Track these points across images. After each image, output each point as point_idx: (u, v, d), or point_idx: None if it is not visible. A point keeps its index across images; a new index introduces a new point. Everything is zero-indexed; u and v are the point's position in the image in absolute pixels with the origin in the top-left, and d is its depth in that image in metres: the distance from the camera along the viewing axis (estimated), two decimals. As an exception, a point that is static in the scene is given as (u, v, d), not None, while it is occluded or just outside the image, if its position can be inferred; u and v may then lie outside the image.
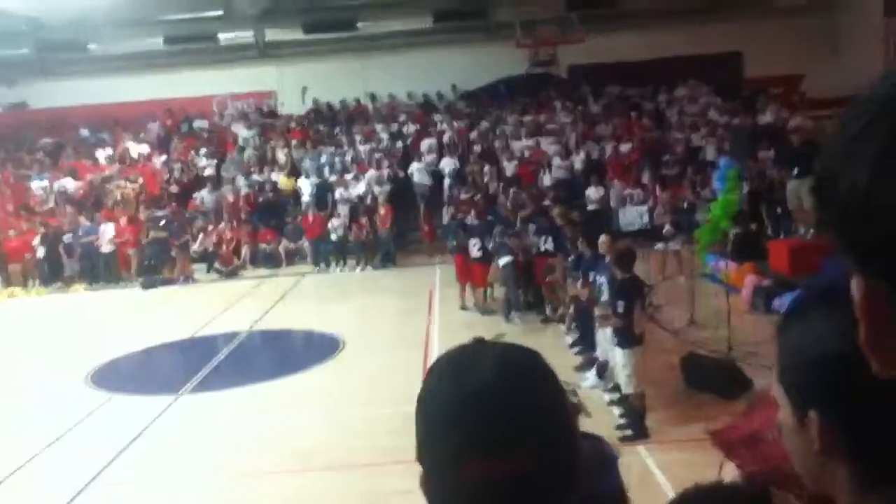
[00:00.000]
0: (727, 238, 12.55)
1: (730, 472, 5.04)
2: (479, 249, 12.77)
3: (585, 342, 9.81)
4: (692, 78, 22.91)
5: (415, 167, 20.42)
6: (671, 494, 5.37)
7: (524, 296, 12.53)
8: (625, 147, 20.18)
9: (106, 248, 18.36)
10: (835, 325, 0.84)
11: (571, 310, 10.71)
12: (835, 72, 21.75)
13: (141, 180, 21.03)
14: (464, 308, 13.11)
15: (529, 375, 1.03)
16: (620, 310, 7.43)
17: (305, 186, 20.15)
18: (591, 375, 9.03)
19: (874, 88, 0.59)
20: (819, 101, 20.92)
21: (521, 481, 0.97)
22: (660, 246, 13.82)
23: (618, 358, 7.64)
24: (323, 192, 19.86)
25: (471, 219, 13.81)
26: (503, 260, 12.03)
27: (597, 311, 8.42)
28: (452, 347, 1.07)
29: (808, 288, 1.00)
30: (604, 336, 8.43)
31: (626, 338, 7.49)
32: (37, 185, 21.17)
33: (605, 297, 8.34)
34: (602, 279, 8.48)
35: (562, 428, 1.03)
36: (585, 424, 4.76)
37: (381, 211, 18.37)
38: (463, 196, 16.94)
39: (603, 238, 8.96)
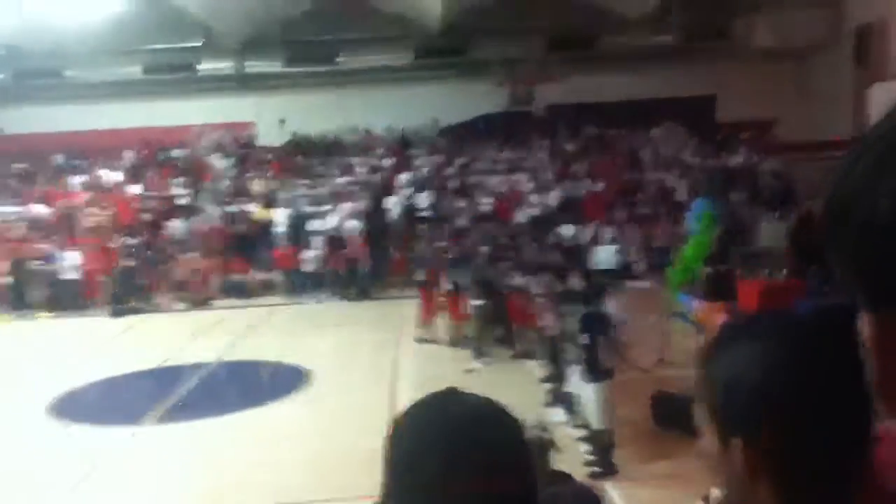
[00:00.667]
0: (699, 278, 12.63)
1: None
2: (451, 283, 12.78)
3: (555, 376, 9.76)
4: (667, 119, 23.26)
5: (391, 201, 20.45)
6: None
7: (494, 331, 12.45)
8: (599, 186, 20.37)
9: (69, 275, 18.10)
10: (755, 356, 0.88)
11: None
12: (806, 117, 22.25)
13: (114, 209, 20.84)
14: (420, 341, 13.11)
15: (501, 413, 1.10)
16: (586, 341, 7.50)
17: (280, 218, 20.08)
18: (559, 411, 8.99)
19: (881, 124, 0.58)
20: (790, 145, 21.34)
21: (501, 499, 1.00)
22: (632, 284, 13.90)
23: (586, 392, 7.67)
24: (297, 224, 19.80)
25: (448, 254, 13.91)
26: (476, 301, 12.00)
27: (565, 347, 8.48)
28: (426, 395, 1.11)
29: (730, 321, 1.05)
30: (574, 371, 8.40)
31: (594, 372, 7.51)
32: (6, 210, 20.88)
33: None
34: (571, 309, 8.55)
35: (530, 466, 1.09)
36: (555, 459, 4.69)
37: (357, 244, 18.31)
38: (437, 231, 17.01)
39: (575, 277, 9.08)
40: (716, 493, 3.96)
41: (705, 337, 10.68)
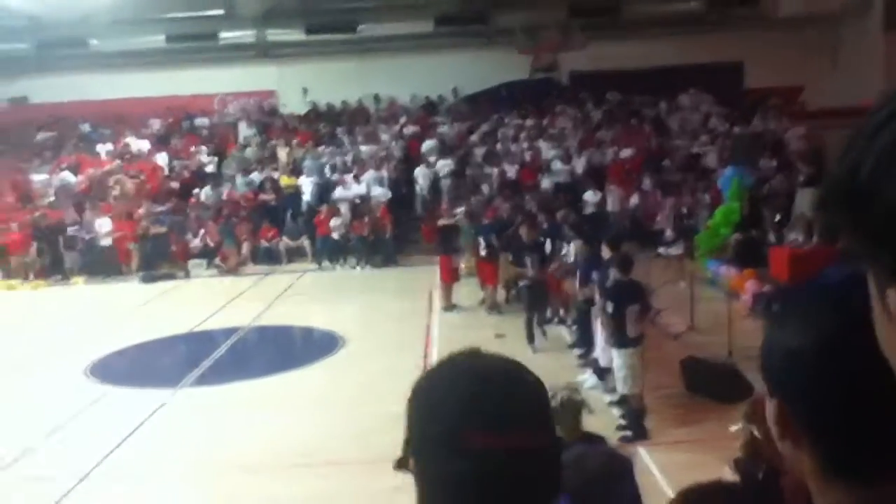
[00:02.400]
0: (728, 244, 12.62)
1: (729, 473, 5.01)
2: (484, 248, 12.83)
3: (585, 342, 9.85)
4: (693, 86, 23.02)
5: (419, 172, 20.47)
6: (670, 494, 5.36)
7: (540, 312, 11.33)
8: (625, 153, 20.27)
9: (103, 241, 18.36)
10: (799, 322, 0.90)
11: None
12: (834, 84, 21.91)
13: (142, 176, 21.03)
14: (447, 309, 13.17)
15: (523, 370, 1.10)
16: (609, 310, 7.57)
17: (306, 185, 20.20)
18: (590, 376, 9.08)
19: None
20: (818, 112, 21.06)
21: (518, 456, 1.00)
22: (661, 251, 13.89)
23: (614, 359, 7.73)
24: (323, 192, 19.92)
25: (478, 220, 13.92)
26: (523, 282, 11.20)
27: (594, 313, 8.54)
28: (447, 355, 1.13)
29: (790, 291, 1.07)
30: (603, 337, 8.46)
31: (619, 338, 7.57)
32: (37, 178, 21.15)
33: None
34: (600, 279, 8.52)
35: (550, 424, 1.09)
36: (587, 424, 4.73)
37: (381, 211, 18.39)
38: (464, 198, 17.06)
39: (604, 246, 8.95)
40: (739, 456, 3.96)
41: (734, 303, 10.71)
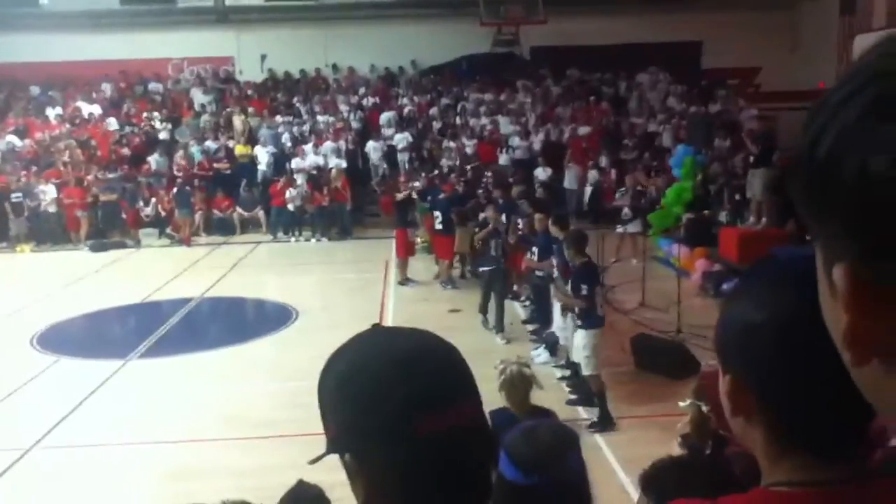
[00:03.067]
0: (680, 223, 12.80)
1: (677, 449, 5.10)
2: (440, 222, 12.84)
3: (540, 317, 9.90)
4: (652, 65, 23.17)
5: (371, 146, 20.32)
6: (619, 471, 5.48)
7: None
8: (583, 130, 20.37)
9: (50, 208, 17.91)
10: (756, 298, 0.92)
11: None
12: (791, 67, 22.25)
13: (92, 141, 20.53)
14: (403, 283, 13.18)
15: (439, 342, 1.08)
16: (584, 292, 7.41)
17: (262, 155, 19.93)
18: (542, 351, 9.18)
19: (863, 59, 0.59)
20: (774, 94, 21.38)
21: (472, 429, 1.01)
22: (619, 229, 14.04)
23: (578, 339, 7.57)
24: (280, 162, 19.68)
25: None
26: (486, 267, 10.56)
27: (553, 291, 8.53)
28: (352, 336, 1.09)
29: (747, 268, 1.09)
30: (560, 314, 8.47)
31: (590, 319, 7.48)
32: (-19, 142, 20.51)
33: (555, 274, 8.58)
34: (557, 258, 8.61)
35: (476, 390, 1.07)
36: (539, 399, 4.76)
37: (339, 183, 18.25)
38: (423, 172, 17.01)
39: (538, 217, 9.29)
40: (687, 431, 4.06)
41: (684, 281, 10.89)
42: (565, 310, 8.15)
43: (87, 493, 6.59)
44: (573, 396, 7.95)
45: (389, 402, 0.97)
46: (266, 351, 10.21)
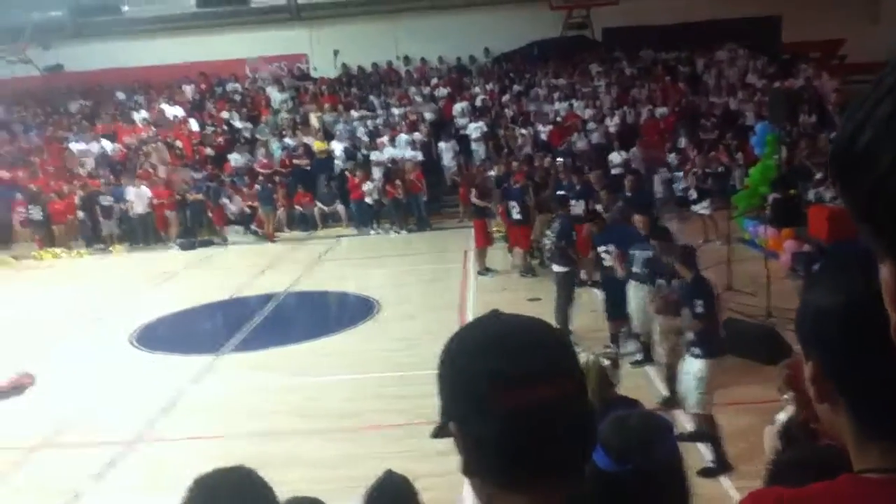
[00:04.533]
0: (766, 203, 12.42)
1: (769, 437, 5.01)
2: (518, 212, 12.80)
3: (614, 311, 9.11)
4: (730, 41, 22.50)
5: (443, 146, 20.22)
6: (709, 457, 5.38)
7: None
8: (660, 111, 19.96)
9: (139, 209, 18.62)
10: (831, 283, 0.92)
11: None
12: (875, 37, 21.25)
13: (177, 143, 21.20)
14: (482, 273, 13.18)
15: (543, 325, 1.13)
16: (700, 310, 6.34)
17: (338, 150, 20.23)
18: (633, 348, 8.80)
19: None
20: (859, 65, 20.49)
21: (564, 406, 1.03)
22: (696, 208, 13.78)
23: (691, 368, 6.43)
24: (356, 156, 19.94)
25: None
26: (558, 268, 9.90)
27: (649, 298, 7.79)
28: (469, 321, 1.16)
29: (823, 253, 1.07)
30: (639, 308, 8.20)
31: (708, 345, 6.37)
32: (75, 147, 21.43)
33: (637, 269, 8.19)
34: (638, 253, 8.19)
35: (576, 373, 1.10)
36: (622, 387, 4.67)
37: (414, 174, 18.38)
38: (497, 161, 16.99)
39: (637, 218, 8.58)
40: (782, 417, 4.00)
41: (772, 263, 10.58)
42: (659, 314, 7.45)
43: (182, 484, 6.84)
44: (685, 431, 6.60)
45: (482, 377, 1.03)
46: (349, 343, 10.38)
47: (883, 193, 0.55)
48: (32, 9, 24.02)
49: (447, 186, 19.82)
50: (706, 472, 6.07)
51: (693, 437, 6.47)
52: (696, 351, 6.38)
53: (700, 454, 6.45)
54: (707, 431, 6.33)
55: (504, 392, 1.01)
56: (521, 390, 1.01)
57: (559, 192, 12.70)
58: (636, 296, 8.41)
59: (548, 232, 10.39)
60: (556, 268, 9.95)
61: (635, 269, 8.28)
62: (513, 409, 1.00)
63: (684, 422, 6.71)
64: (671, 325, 7.26)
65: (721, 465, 6.16)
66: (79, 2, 24.21)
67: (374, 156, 19.41)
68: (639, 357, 8.64)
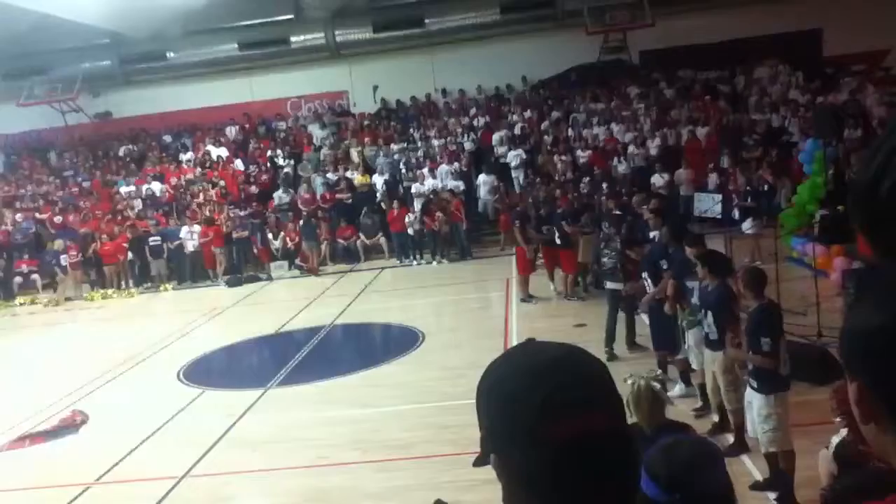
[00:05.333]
0: (813, 221, 12.18)
1: (824, 461, 4.89)
2: (559, 237, 12.76)
3: (662, 342, 8.76)
4: (770, 57, 22.26)
5: (482, 179, 20.15)
6: (759, 477, 5.25)
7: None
8: (701, 131, 19.79)
9: (187, 248, 19.01)
10: (874, 303, 0.90)
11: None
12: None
13: (222, 182, 21.65)
14: (525, 300, 13.11)
15: (583, 354, 1.11)
16: (766, 348, 5.88)
17: (380, 183, 20.45)
18: (678, 384, 8.33)
19: None
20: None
21: (608, 438, 1.02)
22: (743, 227, 13.57)
23: (756, 404, 6.07)
24: (396, 188, 20.12)
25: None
26: (612, 285, 9.97)
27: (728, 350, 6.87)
28: (504, 351, 1.16)
29: (866, 272, 1.05)
30: (693, 338, 7.70)
31: (772, 382, 5.98)
32: (124, 190, 22.02)
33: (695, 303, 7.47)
34: (693, 284, 7.49)
35: (619, 405, 1.09)
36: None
37: (455, 205, 18.47)
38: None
39: (689, 248, 7.74)
40: (835, 440, 3.92)
41: (822, 282, 10.34)
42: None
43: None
44: (757, 477, 6.29)
45: (523, 410, 1.02)
46: (395, 374, 10.39)
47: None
48: (82, 59, 24.92)
49: (484, 218, 19.84)
50: None
51: (764, 486, 6.08)
52: (754, 384, 6.06)
53: (748, 470, 6.32)
54: (785, 469, 5.96)
55: (553, 423, 1.00)
56: (570, 421, 1.00)
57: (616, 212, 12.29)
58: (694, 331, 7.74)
59: (606, 250, 10.32)
60: (610, 285, 9.95)
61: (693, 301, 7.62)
62: (561, 441, 1.00)
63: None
64: (729, 361, 6.79)
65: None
66: (126, 50, 24.99)
67: (415, 188, 19.55)
68: (699, 404, 7.87)
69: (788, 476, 5.92)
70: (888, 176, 0.58)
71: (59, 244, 19.07)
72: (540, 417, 1.00)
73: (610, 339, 9.74)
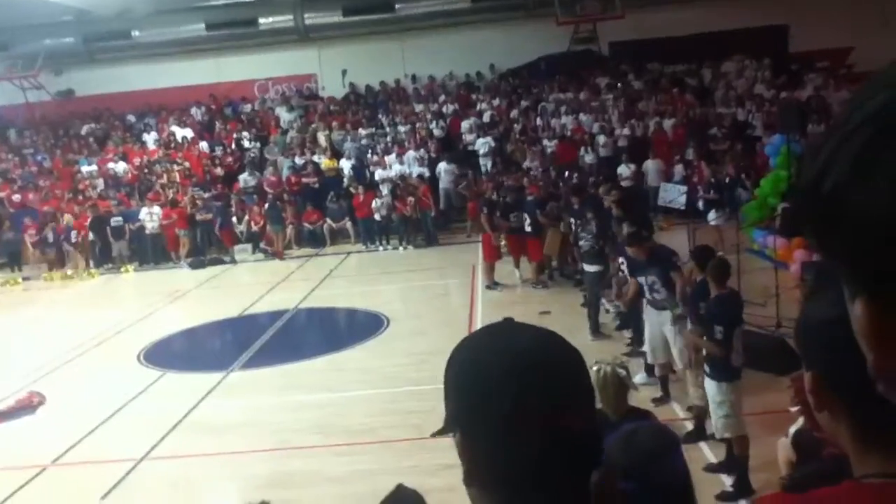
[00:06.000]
0: (775, 213, 12.37)
1: (782, 448, 4.99)
2: (528, 224, 12.81)
3: (629, 325, 9.50)
4: (737, 52, 22.51)
5: (442, 168, 19.89)
6: (730, 482, 5.27)
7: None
8: (668, 123, 19.97)
9: (149, 230, 18.75)
10: (830, 294, 0.90)
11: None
12: (885, 44, 21.17)
13: (187, 163, 21.37)
14: (490, 287, 13.16)
15: (564, 344, 1.09)
16: (719, 336, 6.01)
17: (347, 168, 20.33)
18: (641, 373, 8.52)
19: (859, 105, 0.59)
20: (867, 73, 20.39)
21: (577, 430, 1.02)
22: (710, 219, 13.75)
23: (710, 392, 6.23)
24: (363, 173, 20.01)
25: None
26: (590, 267, 10.26)
27: (686, 331, 7.25)
28: (482, 327, 1.14)
29: (821, 264, 1.07)
30: (651, 327, 7.94)
31: (723, 370, 6.09)
32: (86, 169, 21.63)
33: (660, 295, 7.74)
34: (652, 278, 7.73)
35: (593, 397, 1.10)
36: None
37: (423, 191, 18.43)
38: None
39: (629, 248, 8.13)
40: (794, 428, 4.00)
41: (782, 273, 10.52)
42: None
43: (192, 502, 6.85)
44: (713, 461, 6.45)
45: (493, 405, 1.00)
46: (360, 359, 10.37)
47: (853, 236, 0.56)
48: (44, 36, 24.34)
49: (448, 205, 19.77)
50: (724, 497, 5.92)
51: (717, 468, 6.29)
52: (710, 373, 6.19)
53: (706, 457, 6.42)
54: (739, 454, 6.10)
55: (523, 423, 0.99)
56: (549, 415, 0.99)
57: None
58: (652, 322, 8.00)
59: (583, 233, 10.47)
60: (588, 267, 10.27)
61: (648, 296, 7.90)
62: (529, 432, 0.99)
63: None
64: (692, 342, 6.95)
65: (741, 490, 5.92)
66: (91, 28, 24.45)
67: (382, 173, 19.46)
68: (659, 394, 8.05)
69: (742, 461, 6.06)
70: (830, 176, 0.58)
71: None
72: (511, 414, 0.99)
73: (595, 323, 10.06)
